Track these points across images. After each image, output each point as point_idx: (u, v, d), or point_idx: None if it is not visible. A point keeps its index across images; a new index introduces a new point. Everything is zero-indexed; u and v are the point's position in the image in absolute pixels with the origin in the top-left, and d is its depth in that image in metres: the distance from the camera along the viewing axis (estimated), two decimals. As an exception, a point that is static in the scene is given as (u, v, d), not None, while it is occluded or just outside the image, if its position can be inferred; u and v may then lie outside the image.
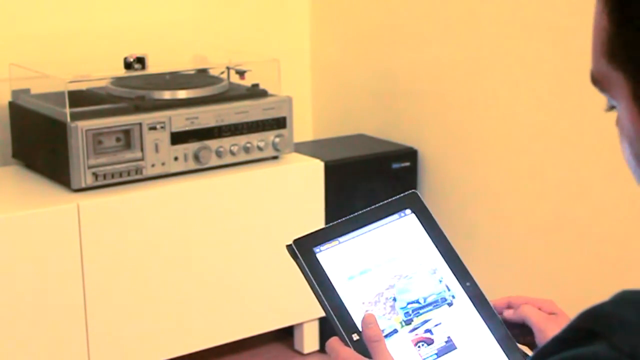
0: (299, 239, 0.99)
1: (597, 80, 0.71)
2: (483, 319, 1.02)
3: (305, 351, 2.73)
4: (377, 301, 0.99)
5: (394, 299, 1.00)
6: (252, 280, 2.56)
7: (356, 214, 1.04)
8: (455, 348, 1.00)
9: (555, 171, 2.47)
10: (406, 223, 1.06)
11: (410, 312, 1.00)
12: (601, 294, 0.67)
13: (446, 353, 0.99)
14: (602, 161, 2.35)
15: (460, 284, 1.04)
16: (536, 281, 2.54)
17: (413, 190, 1.09)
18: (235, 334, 2.59)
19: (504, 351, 1.01)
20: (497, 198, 2.64)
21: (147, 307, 2.39)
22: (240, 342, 2.65)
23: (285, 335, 2.79)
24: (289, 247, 0.99)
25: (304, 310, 2.64)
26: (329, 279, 0.98)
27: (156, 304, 2.41)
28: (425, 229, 1.07)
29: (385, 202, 1.06)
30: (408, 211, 1.07)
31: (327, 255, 1.00)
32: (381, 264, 1.02)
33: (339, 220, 1.03)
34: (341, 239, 1.02)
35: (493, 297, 1.08)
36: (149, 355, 2.43)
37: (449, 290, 1.03)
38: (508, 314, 1.05)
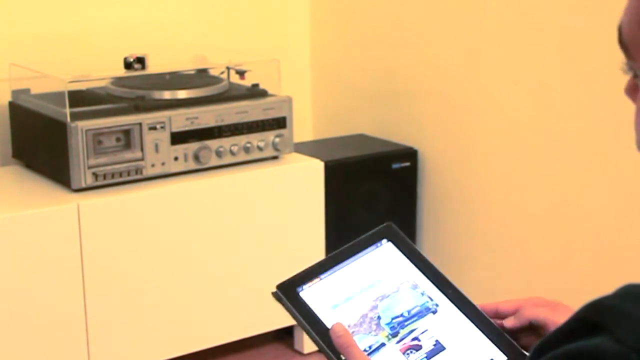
0: (282, 283, 1.05)
1: (625, 44, 0.71)
2: (468, 318, 1.04)
3: (305, 351, 2.73)
4: (362, 322, 1.02)
5: (379, 317, 1.03)
6: (252, 280, 2.56)
7: (334, 252, 1.09)
8: (444, 349, 1.02)
9: (556, 171, 2.47)
10: (383, 251, 1.10)
11: (396, 325, 1.03)
12: (601, 293, 0.67)
13: (435, 355, 1.01)
14: (603, 161, 2.35)
15: (442, 292, 1.07)
16: (536, 281, 2.54)
17: (388, 223, 1.13)
18: (235, 334, 2.59)
19: (493, 342, 1.02)
20: (497, 198, 2.64)
21: (147, 307, 2.39)
22: (240, 342, 2.65)
23: (285, 335, 2.79)
24: (274, 293, 1.04)
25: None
26: (313, 311, 1.02)
27: (156, 304, 2.41)
28: (402, 252, 1.10)
29: (362, 237, 1.11)
30: (384, 241, 1.11)
31: (310, 291, 1.04)
32: (362, 289, 1.06)
33: (318, 261, 1.08)
34: (322, 275, 1.06)
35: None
36: (149, 355, 2.43)
37: (431, 300, 1.06)
38: (510, 323, 1.05)
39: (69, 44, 2.74)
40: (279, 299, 1.04)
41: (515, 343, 1.02)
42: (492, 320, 1.04)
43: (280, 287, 1.04)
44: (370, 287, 1.06)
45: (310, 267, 1.06)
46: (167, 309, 2.43)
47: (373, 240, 1.11)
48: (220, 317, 2.52)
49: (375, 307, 1.04)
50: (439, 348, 1.02)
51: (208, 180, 2.46)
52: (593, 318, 0.63)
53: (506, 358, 1.00)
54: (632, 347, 0.60)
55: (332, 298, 1.04)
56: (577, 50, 2.36)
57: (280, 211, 2.58)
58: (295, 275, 1.05)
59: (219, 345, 2.57)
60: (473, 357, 1.00)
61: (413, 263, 1.09)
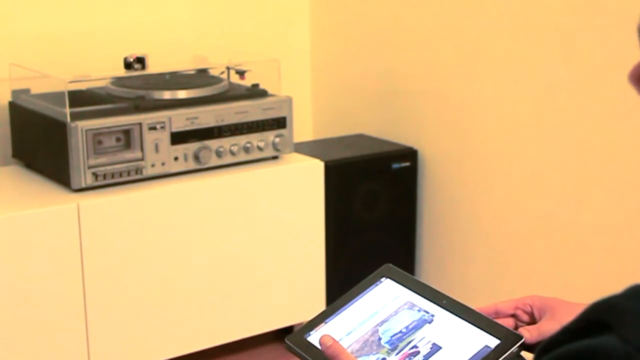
0: (291, 335, 1.12)
1: None
2: (463, 319, 1.07)
3: (305, 351, 2.73)
4: (364, 346, 1.07)
5: (379, 338, 1.08)
6: (252, 280, 2.56)
7: (336, 300, 1.16)
8: (440, 348, 1.05)
9: (556, 170, 2.47)
10: (383, 287, 1.16)
11: (395, 341, 1.07)
12: (601, 293, 0.66)
13: (432, 355, 1.04)
14: (602, 162, 2.35)
15: (437, 304, 1.11)
16: (536, 281, 2.54)
17: (387, 264, 1.18)
18: (235, 334, 2.59)
19: (486, 331, 1.05)
20: (497, 198, 2.64)
21: (147, 307, 2.39)
22: (240, 342, 2.65)
23: (285, 336, 2.78)
24: (285, 344, 1.12)
25: (304, 310, 2.63)
26: (319, 349, 1.08)
27: (156, 304, 2.41)
28: (400, 283, 1.15)
29: (362, 281, 1.17)
30: (383, 279, 1.17)
31: (317, 335, 1.10)
32: (364, 321, 1.12)
33: (322, 311, 1.15)
34: (327, 320, 1.13)
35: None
36: (149, 355, 2.43)
37: (427, 313, 1.10)
38: (525, 318, 1.10)
39: (69, 44, 2.74)
40: (289, 349, 1.12)
41: (507, 327, 1.05)
42: (483, 314, 1.07)
43: (289, 338, 1.12)
44: (371, 317, 1.12)
45: (315, 316, 1.14)
46: (167, 309, 2.43)
47: (373, 281, 1.17)
48: (220, 317, 2.52)
49: (376, 332, 1.09)
50: (435, 349, 1.04)
51: (208, 180, 2.46)
52: (599, 317, 0.63)
53: (499, 341, 1.02)
54: (636, 346, 0.59)
55: (337, 334, 1.10)
56: (578, 50, 2.36)
57: (280, 211, 2.58)
58: (302, 326, 1.13)
59: (219, 345, 2.57)
60: (468, 348, 1.03)
61: (409, 289, 1.14)
